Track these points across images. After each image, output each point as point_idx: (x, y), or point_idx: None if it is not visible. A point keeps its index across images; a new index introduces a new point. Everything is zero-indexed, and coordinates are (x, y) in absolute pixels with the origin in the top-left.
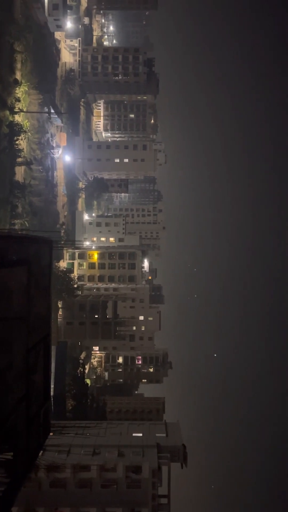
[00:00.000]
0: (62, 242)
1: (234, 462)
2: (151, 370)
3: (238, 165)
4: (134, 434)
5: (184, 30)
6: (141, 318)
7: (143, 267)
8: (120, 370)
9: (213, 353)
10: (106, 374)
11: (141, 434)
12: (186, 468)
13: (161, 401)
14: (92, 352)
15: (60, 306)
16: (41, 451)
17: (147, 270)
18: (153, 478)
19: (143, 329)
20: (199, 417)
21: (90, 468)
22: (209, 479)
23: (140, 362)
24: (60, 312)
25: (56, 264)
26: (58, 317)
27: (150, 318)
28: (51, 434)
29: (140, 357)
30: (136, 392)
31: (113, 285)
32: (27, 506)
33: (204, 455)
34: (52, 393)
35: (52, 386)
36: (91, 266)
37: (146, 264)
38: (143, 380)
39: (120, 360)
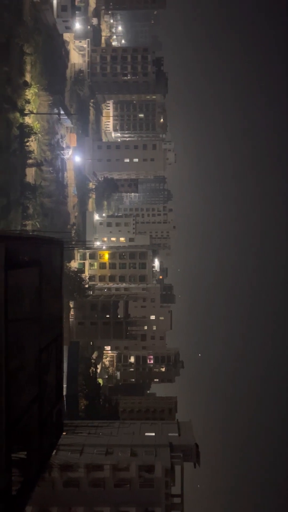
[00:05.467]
0: (73, 243)
1: (242, 462)
2: (163, 369)
3: (247, 164)
4: (146, 434)
5: (192, 29)
6: (152, 317)
7: (153, 267)
8: (132, 369)
9: (228, 353)
10: (118, 373)
11: (153, 434)
12: (199, 467)
13: (173, 401)
14: (104, 351)
15: (71, 306)
16: (54, 451)
17: (158, 270)
18: (166, 477)
19: (154, 328)
20: (211, 416)
21: (103, 467)
22: (218, 478)
23: (151, 361)
24: (71, 312)
25: (67, 264)
26: (70, 317)
27: (162, 318)
28: (64, 433)
29: (151, 357)
30: (148, 391)
31: (124, 285)
32: (41, 506)
33: (215, 455)
34: (64, 393)
35: (64, 386)
36: (102, 266)
37: (156, 263)
38: (155, 380)
39: (132, 359)
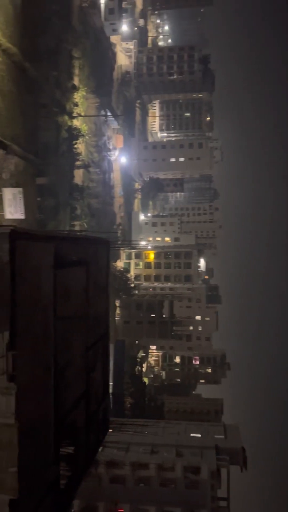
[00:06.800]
0: (119, 243)
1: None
2: (209, 370)
3: None
4: (192, 435)
5: (240, 24)
6: (198, 318)
7: (199, 267)
8: (178, 369)
9: (277, 355)
10: (164, 373)
11: (199, 435)
12: (246, 471)
13: (219, 403)
14: (149, 351)
15: (117, 305)
16: (101, 447)
17: (204, 270)
18: (212, 479)
19: (200, 329)
20: (259, 420)
21: (149, 466)
22: (266, 483)
23: (197, 362)
24: (117, 311)
25: (113, 264)
26: (116, 316)
27: (207, 318)
28: (110, 430)
29: (197, 357)
30: (193, 392)
31: (169, 284)
32: (88, 500)
33: (263, 459)
34: (110, 391)
35: (110, 383)
36: (147, 265)
37: (202, 263)
38: (200, 381)
39: (177, 359)
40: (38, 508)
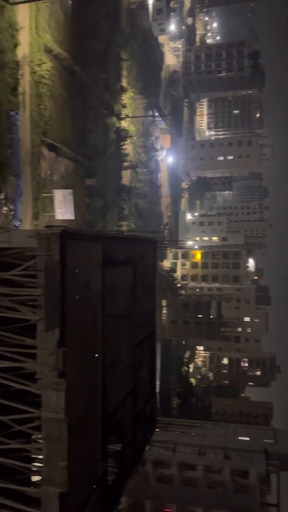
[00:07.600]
0: (166, 242)
1: None
2: (258, 373)
3: None
4: (240, 438)
5: None
6: (247, 319)
7: (248, 267)
8: (225, 371)
9: None
10: (211, 374)
11: (248, 438)
12: None
13: (269, 406)
14: (196, 351)
15: (164, 305)
16: (148, 446)
17: (253, 270)
18: (261, 484)
19: (249, 330)
20: None
21: (196, 467)
22: None
23: (246, 364)
24: (164, 311)
25: (160, 263)
26: (162, 315)
27: (256, 320)
28: (157, 430)
29: (246, 359)
30: (242, 394)
31: (216, 285)
32: (135, 498)
33: None
34: (157, 390)
35: (157, 383)
36: (194, 265)
37: (251, 263)
38: (249, 383)
39: (225, 361)
40: (86, 502)
